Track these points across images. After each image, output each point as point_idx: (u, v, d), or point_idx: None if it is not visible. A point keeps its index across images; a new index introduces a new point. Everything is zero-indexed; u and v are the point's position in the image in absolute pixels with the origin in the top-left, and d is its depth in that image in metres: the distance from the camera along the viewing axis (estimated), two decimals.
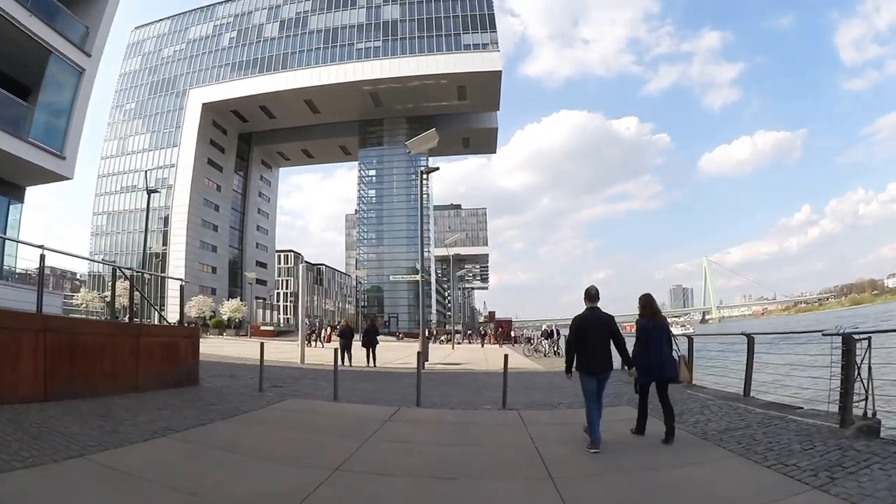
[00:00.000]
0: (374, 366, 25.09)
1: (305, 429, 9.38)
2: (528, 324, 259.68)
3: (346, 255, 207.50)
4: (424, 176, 28.88)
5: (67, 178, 23.13)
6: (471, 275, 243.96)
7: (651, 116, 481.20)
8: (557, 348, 35.10)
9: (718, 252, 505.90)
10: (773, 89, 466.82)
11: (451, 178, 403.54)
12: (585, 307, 8.85)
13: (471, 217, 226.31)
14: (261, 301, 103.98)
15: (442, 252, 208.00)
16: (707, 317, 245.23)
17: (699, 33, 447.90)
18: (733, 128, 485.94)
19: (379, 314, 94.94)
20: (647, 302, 9.33)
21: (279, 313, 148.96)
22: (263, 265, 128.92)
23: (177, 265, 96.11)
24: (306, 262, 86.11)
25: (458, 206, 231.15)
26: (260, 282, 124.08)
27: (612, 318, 8.86)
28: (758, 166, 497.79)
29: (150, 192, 36.16)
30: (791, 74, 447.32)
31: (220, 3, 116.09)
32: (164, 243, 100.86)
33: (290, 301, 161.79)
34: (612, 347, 8.67)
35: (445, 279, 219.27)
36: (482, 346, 49.86)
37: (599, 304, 8.75)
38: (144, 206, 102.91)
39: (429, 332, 60.33)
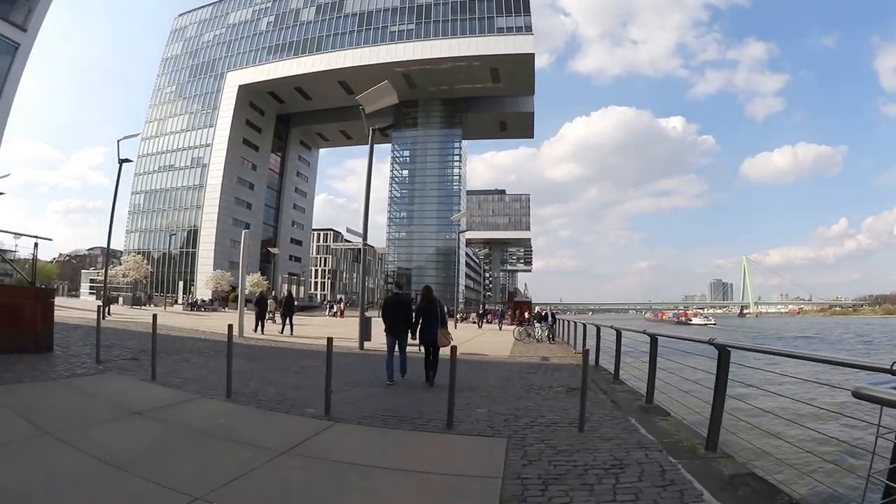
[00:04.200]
0: (291, 334, 27.19)
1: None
2: (572, 306, 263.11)
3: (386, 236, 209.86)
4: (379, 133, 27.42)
5: None
6: (514, 258, 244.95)
7: (697, 118, 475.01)
8: (551, 333, 32.99)
9: (757, 252, 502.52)
10: (816, 104, 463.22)
11: (501, 166, 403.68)
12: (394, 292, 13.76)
13: (514, 202, 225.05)
14: (290, 277, 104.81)
15: (484, 235, 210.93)
16: (745, 311, 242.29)
17: (745, 42, 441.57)
18: (776, 137, 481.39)
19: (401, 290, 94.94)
20: (425, 292, 13.49)
21: (315, 289, 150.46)
22: (299, 243, 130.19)
23: (207, 241, 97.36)
24: (345, 240, 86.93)
25: (502, 192, 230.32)
26: (294, 258, 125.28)
27: (410, 300, 13.84)
28: (799, 176, 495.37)
29: (121, 161, 35.82)
30: (833, 92, 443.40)
31: None
32: (197, 222, 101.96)
33: (328, 278, 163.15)
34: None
35: (487, 261, 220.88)
36: (480, 326, 48.71)
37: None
38: (181, 184, 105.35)
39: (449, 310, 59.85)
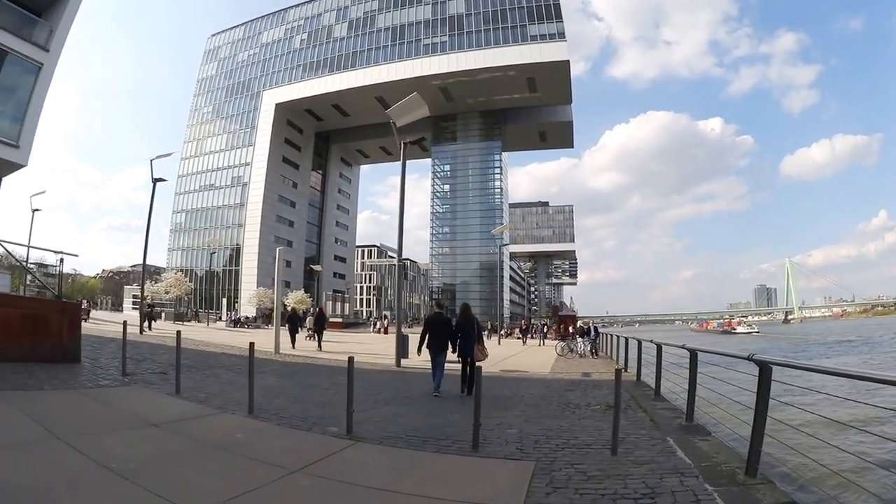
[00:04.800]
0: (320, 349, 27.76)
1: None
2: (618, 319, 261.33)
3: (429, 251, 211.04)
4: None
5: (22, 166, 23.95)
6: (559, 271, 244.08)
7: (734, 118, 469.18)
8: (594, 347, 31.67)
9: (800, 254, 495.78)
10: (849, 92, 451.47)
11: (543, 177, 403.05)
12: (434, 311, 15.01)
13: (558, 214, 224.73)
14: (335, 294, 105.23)
15: (528, 248, 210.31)
16: (790, 317, 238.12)
17: (775, 34, 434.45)
18: (812, 131, 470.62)
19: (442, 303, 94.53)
20: (463, 310, 14.39)
21: (361, 306, 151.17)
22: (343, 260, 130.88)
23: (250, 259, 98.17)
24: (393, 257, 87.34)
25: (545, 204, 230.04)
26: (338, 276, 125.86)
27: (449, 319, 14.56)
28: (837, 169, 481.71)
29: (155, 180, 36.56)
30: (866, 78, 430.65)
31: (291, 7, 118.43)
32: (240, 240, 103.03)
33: (373, 294, 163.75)
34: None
35: (532, 275, 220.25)
36: (524, 342, 47.77)
37: None
38: (221, 203, 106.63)
39: (490, 325, 59.25)
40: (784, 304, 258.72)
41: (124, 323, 16.69)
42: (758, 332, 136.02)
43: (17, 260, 23.75)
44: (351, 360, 9.16)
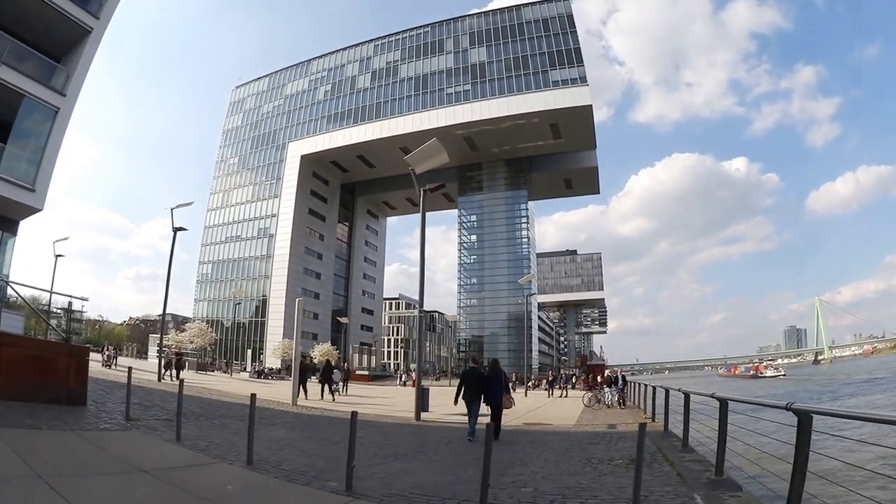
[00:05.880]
0: (333, 399, 29.14)
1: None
2: (648, 366, 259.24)
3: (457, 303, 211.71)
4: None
5: (38, 210, 24.02)
6: (589, 319, 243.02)
7: (759, 156, 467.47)
8: (622, 398, 30.70)
9: (829, 292, 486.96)
10: (871, 122, 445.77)
11: (571, 225, 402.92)
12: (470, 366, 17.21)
13: (586, 262, 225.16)
14: (362, 347, 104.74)
15: (557, 297, 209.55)
16: (819, 357, 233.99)
17: (794, 69, 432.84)
18: (837, 164, 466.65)
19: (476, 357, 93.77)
20: (492, 364, 16.96)
21: (389, 359, 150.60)
22: (370, 312, 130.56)
23: (276, 310, 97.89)
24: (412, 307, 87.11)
25: (573, 252, 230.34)
26: (366, 328, 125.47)
27: (482, 373, 16.43)
28: (862, 202, 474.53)
29: (176, 230, 36.87)
30: (885, 105, 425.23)
31: (314, 58, 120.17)
32: (266, 291, 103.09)
33: (401, 347, 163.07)
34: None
35: (562, 324, 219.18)
36: (550, 394, 46.37)
37: None
38: (248, 254, 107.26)
39: (512, 377, 58.14)
40: (815, 344, 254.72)
41: (129, 368, 17.29)
42: (784, 375, 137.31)
43: (24, 301, 23.91)
44: (354, 413, 8.57)
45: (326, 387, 30.08)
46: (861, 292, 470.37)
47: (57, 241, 48.74)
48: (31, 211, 23.98)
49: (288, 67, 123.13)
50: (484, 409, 15.94)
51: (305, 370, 30.97)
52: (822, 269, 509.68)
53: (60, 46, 25.48)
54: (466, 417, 15.88)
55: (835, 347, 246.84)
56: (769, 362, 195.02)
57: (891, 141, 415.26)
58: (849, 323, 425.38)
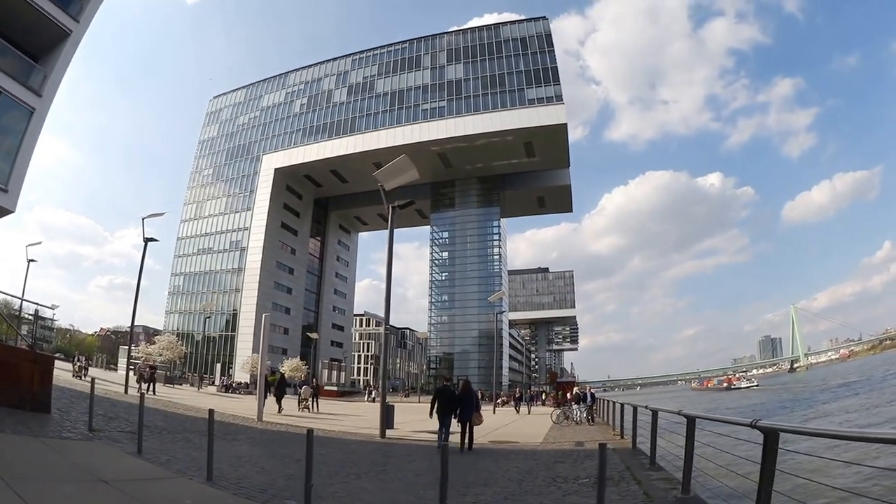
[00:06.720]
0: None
1: None
2: (620, 382, 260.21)
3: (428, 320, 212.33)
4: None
5: (10, 211, 23.61)
6: (560, 336, 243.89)
7: (734, 170, 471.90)
8: (591, 414, 30.78)
9: (804, 299, 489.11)
10: (847, 130, 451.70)
11: (543, 243, 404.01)
12: (443, 383, 18.77)
13: (558, 280, 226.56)
14: (332, 363, 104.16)
15: (528, 315, 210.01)
16: (795, 365, 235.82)
17: (772, 82, 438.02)
18: (813, 174, 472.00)
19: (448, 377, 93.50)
20: (464, 384, 18.31)
21: (359, 375, 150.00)
22: (340, 328, 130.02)
23: (246, 325, 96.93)
24: (390, 325, 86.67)
25: (545, 270, 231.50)
26: (336, 344, 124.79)
27: (454, 391, 18.07)
28: (839, 209, 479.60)
29: (146, 240, 36.39)
30: (862, 113, 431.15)
31: (291, 71, 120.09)
32: (237, 305, 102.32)
33: (371, 363, 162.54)
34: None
35: (533, 342, 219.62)
36: (517, 411, 46.33)
37: None
38: (220, 267, 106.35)
39: (479, 393, 58.00)
40: (790, 352, 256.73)
41: (92, 380, 17.01)
42: (757, 386, 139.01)
43: None
44: (310, 431, 8.22)
45: (302, 402, 30.73)
46: (837, 297, 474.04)
47: (30, 245, 48.25)
48: (2, 212, 23.56)
49: (265, 80, 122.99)
50: (455, 426, 17.31)
51: (282, 385, 31.65)
52: (797, 278, 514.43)
53: (39, 47, 25.26)
54: (431, 436, 17.51)
55: (811, 354, 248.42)
56: (742, 374, 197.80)
57: (867, 146, 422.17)
58: (825, 328, 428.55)
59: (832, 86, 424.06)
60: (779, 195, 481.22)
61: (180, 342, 77.74)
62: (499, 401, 54.74)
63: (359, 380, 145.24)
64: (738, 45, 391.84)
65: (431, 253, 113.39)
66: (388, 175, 22.54)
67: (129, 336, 41.06)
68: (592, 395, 33.70)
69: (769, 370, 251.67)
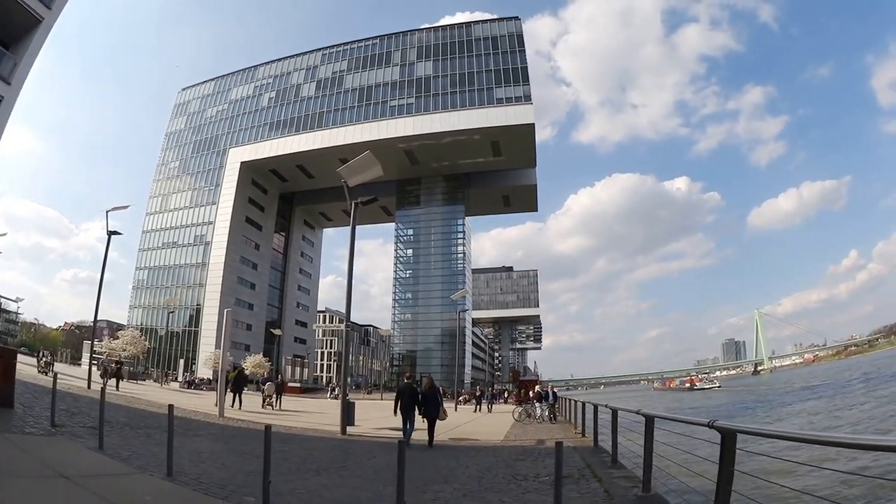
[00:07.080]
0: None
1: None
2: (583, 381, 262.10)
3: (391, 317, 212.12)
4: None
5: None
6: (524, 335, 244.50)
7: (701, 175, 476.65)
8: (553, 413, 31.09)
9: (770, 304, 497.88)
10: (817, 140, 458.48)
11: (508, 242, 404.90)
12: (406, 381, 19.24)
13: (522, 279, 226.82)
14: (295, 359, 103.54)
15: (492, 314, 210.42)
16: (759, 368, 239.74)
17: (743, 90, 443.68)
18: (781, 182, 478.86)
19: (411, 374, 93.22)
20: (428, 382, 18.76)
21: (322, 371, 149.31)
22: (304, 324, 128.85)
23: (209, 320, 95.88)
24: (352, 322, 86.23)
25: (509, 269, 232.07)
26: (300, 340, 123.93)
27: (416, 388, 18.37)
28: (805, 217, 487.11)
29: (110, 233, 35.98)
30: (833, 123, 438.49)
31: (261, 64, 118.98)
32: (201, 300, 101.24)
33: (334, 360, 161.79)
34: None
35: (497, 340, 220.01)
36: (477, 409, 46.20)
37: None
38: (184, 262, 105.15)
39: (441, 391, 58.01)
40: (754, 356, 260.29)
41: (55, 375, 17.29)
42: (719, 387, 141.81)
43: None
44: (268, 427, 8.37)
45: (266, 399, 31.07)
46: (803, 303, 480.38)
47: None
48: None
49: (234, 72, 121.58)
50: (420, 422, 17.86)
51: (239, 380, 31.36)
52: (762, 283, 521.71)
53: (10, 34, 25.16)
54: (393, 433, 17.97)
55: (775, 358, 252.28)
56: (704, 375, 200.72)
57: (837, 157, 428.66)
58: (790, 333, 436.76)
59: (804, 95, 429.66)
60: (745, 202, 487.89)
61: (144, 337, 76.91)
62: (460, 398, 54.78)
63: (322, 376, 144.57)
64: (710, 52, 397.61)
65: (396, 250, 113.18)
66: (351, 171, 22.50)
67: (93, 331, 40.66)
68: (554, 393, 33.97)
69: (733, 372, 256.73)
